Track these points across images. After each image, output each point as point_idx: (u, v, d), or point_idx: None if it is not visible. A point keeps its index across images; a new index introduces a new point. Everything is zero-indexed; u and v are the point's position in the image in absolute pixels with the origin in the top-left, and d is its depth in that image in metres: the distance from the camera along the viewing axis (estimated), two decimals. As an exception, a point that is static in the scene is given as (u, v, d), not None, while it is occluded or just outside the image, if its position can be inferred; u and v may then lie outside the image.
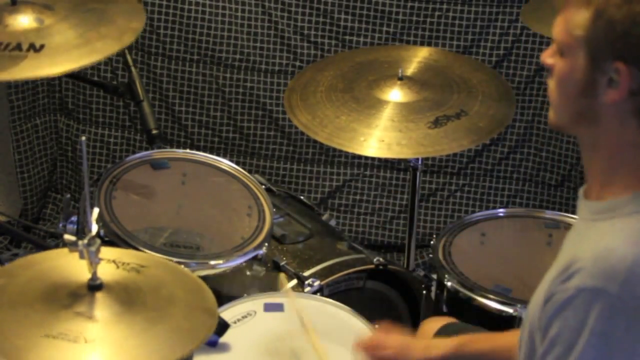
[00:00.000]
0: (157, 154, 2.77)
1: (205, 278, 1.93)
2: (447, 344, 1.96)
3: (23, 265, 1.88)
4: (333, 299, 2.40)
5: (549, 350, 1.44)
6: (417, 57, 2.80)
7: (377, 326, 2.22)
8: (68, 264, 1.81)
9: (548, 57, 1.55)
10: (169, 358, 1.68)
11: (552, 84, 1.56)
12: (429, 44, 3.39)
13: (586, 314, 1.40)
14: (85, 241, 1.71)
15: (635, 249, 1.42)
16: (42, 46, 2.38)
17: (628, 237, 1.44)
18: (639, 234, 1.44)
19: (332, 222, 2.89)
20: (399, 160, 3.51)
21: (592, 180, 1.54)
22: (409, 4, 3.38)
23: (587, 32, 1.46)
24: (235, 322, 2.28)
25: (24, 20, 2.47)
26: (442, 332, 2.26)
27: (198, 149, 3.45)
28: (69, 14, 2.50)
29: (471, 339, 1.98)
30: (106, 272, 1.80)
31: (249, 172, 2.79)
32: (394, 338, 1.99)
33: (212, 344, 2.17)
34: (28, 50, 2.37)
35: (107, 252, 1.84)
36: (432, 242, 2.67)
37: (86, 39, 2.41)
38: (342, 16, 3.41)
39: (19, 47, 2.38)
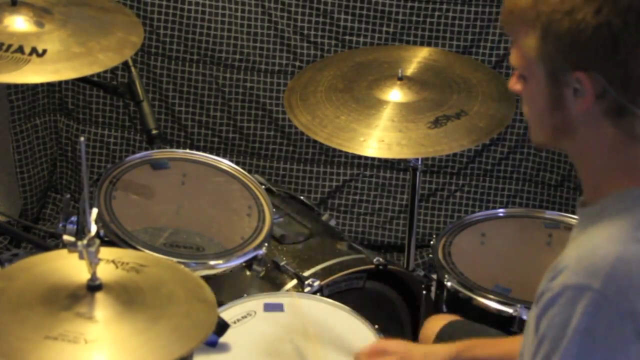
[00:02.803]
0: (157, 154, 2.77)
1: (205, 278, 1.92)
2: (446, 350, 1.97)
3: (22, 268, 1.87)
4: (333, 299, 2.40)
5: (538, 350, 1.44)
6: (417, 57, 2.80)
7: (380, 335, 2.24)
8: (67, 265, 1.81)
9: (514, 85, 1.59)
10: (170, 356, 1.68)
11: (525, 108, 1.60)
12: (429, 44, 3.39)
13: (571, 311, 1.40)
14: (85, 242, 1.71)
15: (618, 246, 1.42)
16: (44, 51, 2.39)
17: (611, 235, 1.45)
18: (622, 231, 1.45)
19: (332, 222, 2.89)
20: (399, 160, 3.51)
21: (586, 188, 1.57)
22: (409, 4, 3.38)
23: (539, 52, 1.49)
24: (235, 322, 2.28)
25: (24, 23, 2.47)
26: (446, 330, 2.27)
27: (198, 149, 3.45)
28: (67, 19, 2.51)
29: (470, 345, 1.99)
30: (105, 272, 1.80)
31: (249, 172, 2.79)
32: (396, 343, 2.01)
33: (212, 344, 2.17)
34: (30, 54, 2.37)
35: (106, 252, 1.84)
36: (432, 242, 2.67)
37: (88, 48, 2.42)
38: (342, 16, 3.41)
39: (21, 49, 2.38)
